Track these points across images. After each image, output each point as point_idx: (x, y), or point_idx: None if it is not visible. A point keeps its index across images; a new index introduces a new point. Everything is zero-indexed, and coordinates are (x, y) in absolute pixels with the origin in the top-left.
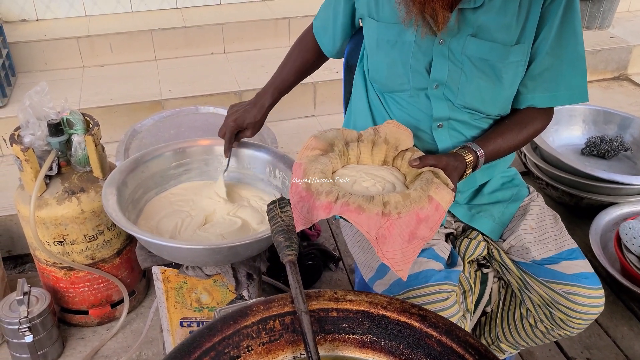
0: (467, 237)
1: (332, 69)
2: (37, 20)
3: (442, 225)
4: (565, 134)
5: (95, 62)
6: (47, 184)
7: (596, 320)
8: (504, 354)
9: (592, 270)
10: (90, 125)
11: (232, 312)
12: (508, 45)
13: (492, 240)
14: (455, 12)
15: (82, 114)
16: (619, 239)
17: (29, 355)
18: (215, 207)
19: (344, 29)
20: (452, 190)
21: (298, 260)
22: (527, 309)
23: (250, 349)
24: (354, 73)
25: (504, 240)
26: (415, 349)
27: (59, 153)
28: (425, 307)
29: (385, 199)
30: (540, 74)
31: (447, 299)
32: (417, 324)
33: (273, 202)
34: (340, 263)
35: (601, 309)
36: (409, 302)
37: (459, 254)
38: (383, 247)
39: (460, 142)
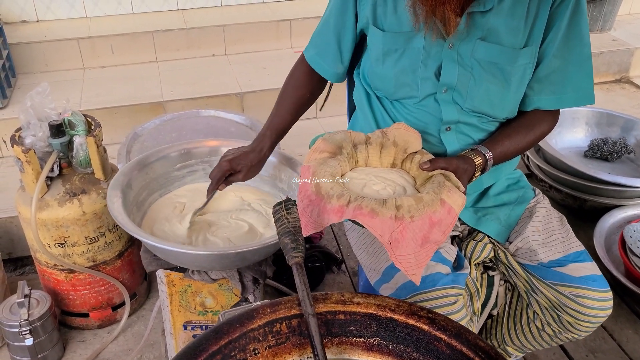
0: (473, 240)
1: None
2: (37, 21)
3: None
4: (568, 137)
5: (96, 64)
6: (48, 186)
7: (601, 324)
8: (510, 357)
9: (600, 273)
10: (92, 127)
11: (239, 315)
12: (517, 48)
13: (498, 242)
14: (464, 16)
15: (84, 115)
16: (623, 242)
17: (29, 358)
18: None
19: (353, 42)
20: (463, 193)
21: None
22: (534, 312)
23: (256, 352)
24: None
25: (511, 243)
26: (424, 352)
27: (61, 154)
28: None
29: (398, 203)
30: (547, 76)
31: (455, 302)
32: (425, 327)
33: (279, 203)
34: (343, 266)
35: (609, 311)
36: (418, 304)
37: (465, 256)
38: (396, 251)
39: (468, 144)
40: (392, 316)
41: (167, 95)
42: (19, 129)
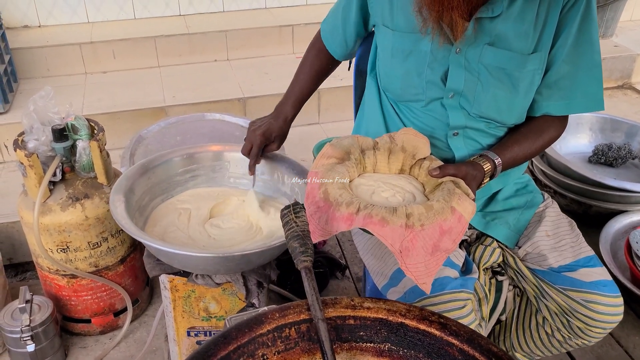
0: (481, 244)
1: (337, 76)
2: (39, 26)
3: None
4: (572, 142)
5: (98, 69)
6: (50, 190)
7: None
8: None
9: (611, 278)
10: (95, 131)
11: (247, 320)
12: (525, 54)
13: (507, 247)
14: (472, 21)
15: (87, 119)
16: (629, 248)
17: None
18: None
19: (356, 32)
20: (473, 200)
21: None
22: (544, 318)
23: (265, 357)
24: (365, 78)
25: (520, 248)
26: (436, 358)
27: (63, 159)
28: None
29: (409, 211)
30: (556, 82)
31: (463, 307)
32: (437, 332)
33: (287, 207)
34: (347, 272)
35: (620, 317)
36: (428, 309)
37: (473, 261)
38: (407, 259)
39: (476, 150)
40: (403, 321)
41: (169, 100)
42: (21, 133)
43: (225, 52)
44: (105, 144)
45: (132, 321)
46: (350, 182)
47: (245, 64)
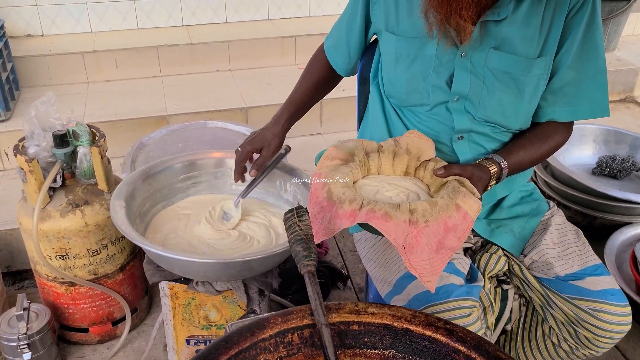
0: (487, 252)
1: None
2: (42, 35)
3: None
4: (576, 154)
5: (100, 78)
6: (50, 196)
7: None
8: None
9: (618, 287)
10: (97, 137)
11: (249, 324)
12: (531, 58)
13: (512, 255)
14: (478, 25)
15: (88, 125)
16: (634, 259)
17: None
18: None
19: (360, 42)
20: (479, 199)
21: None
22: (550, 327)
23: None
24: (368, 86)
25: (525, 256)
26: None
27: (64, 165)
28: None
29: (412, 207)
30: (562, 88)
31: (469, 314)
32: (443, 339)
33: (290, 210)
34: (349, 282)
35: (629, 327)
36: (434, 315)
37: (478, 269)
38: (410, 256)
39: (481, 154)
40: (408, 327)
41: (171, 109)
42: (22, 139)
43: (227, 62)
44: (106, 150)
45: (130, 330)
46: (354, 183)
47: (248, 75)
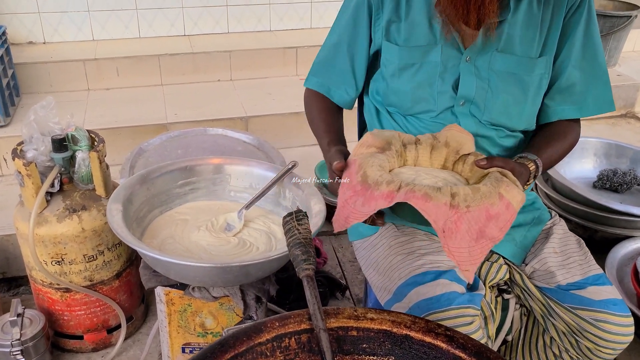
0: (488, 261)
1: None
2: (44, 43)
3: None
4: (577, 167)
5: (101, 85)
6: (47, 201)
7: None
8: None
9: (620, 297)
10: (95, 142)
11: (246, 328)
12: (533, 58)
13: (513, 264)
14: (482, 29)
15: (87, 131)
16: (636, 273)
17: None
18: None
19: (365, 69)
20: (522, 190)
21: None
22: (551, 338)
23: None
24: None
25: (527, 265)
26: None
27: (62, 169)
28: None
29: (454, 190)
30: (569, 88)
31: (471, 322)
32: (443, 345)
33: (289, 214)
34: (347, 292)
35: (631, 337)
36: (435, 322)
37: (479, 277)
38: (449, 241)
39: None
40: (408, 333)
41: (171, 117)
42: (20, 143)
43: (228, 72)
44: (105, 156)
45: (125, 339)
46: (390, 171)
47: (249, 85)
